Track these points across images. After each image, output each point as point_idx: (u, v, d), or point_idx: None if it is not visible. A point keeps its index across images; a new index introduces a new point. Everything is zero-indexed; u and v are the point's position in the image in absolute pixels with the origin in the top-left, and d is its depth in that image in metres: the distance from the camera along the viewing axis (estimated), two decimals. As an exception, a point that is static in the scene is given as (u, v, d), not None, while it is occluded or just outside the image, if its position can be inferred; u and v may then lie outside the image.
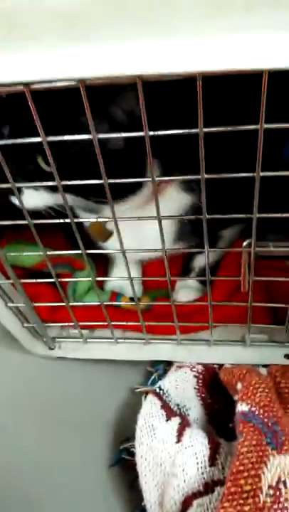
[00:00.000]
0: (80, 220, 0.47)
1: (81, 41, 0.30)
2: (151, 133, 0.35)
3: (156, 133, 0.35)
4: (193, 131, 0.35)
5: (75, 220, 0.44)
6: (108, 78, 0.32)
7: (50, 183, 0.40)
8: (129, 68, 0.31)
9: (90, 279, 0.53)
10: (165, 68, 0.30)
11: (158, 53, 0.30)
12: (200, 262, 0.66)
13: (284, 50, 0.28)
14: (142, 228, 0.50)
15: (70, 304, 0.57)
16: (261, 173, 0.37)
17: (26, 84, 0.32)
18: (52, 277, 0.52)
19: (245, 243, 0.45)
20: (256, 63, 0.29)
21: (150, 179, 0.39)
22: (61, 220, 0.44)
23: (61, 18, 0.29)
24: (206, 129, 0.34)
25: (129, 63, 0.31)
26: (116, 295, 0.69)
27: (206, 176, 0.38)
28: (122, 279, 0.51)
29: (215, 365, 0.58)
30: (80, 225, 0.45)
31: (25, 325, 0.61)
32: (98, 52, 0.30)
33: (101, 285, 0.71)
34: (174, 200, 0.53)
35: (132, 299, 0.64)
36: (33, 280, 0.53)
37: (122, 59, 0.30)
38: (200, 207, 0.46)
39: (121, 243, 0.46)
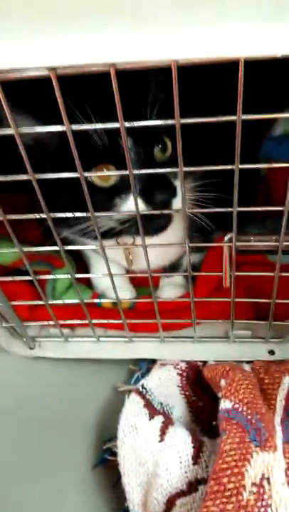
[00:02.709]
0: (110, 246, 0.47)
1: (53, 30, 0.29)
2: (128, 124, 0.34)
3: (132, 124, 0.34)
4: (169, 122, 0.34)
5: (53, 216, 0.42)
6: (81, 67, 0.31)
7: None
8: (103, 57, 0.30)
9: (69, 276, 0.52)
10: (139, 57, 0.29)
11: (132, 42, 0.29)
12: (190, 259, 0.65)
13: (260, 38, 0.27)
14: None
15: (50, 302, 0.55)
16: (240, 166, 0.36)
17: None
18: (29, 275, 0.50)
19: (226, 238, 0.44)
20: (232, 51, 0.28)
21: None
22: (36, 216, 0.42)
23: (33, 6, 0.28)
24: (183, 120, 0.34)
25: (103, 52, 0.30)
26: (98, 294, 0.68)
27: (184, 168, 0.37)
28: (103, 275, 0.50)
29: (199, 363, 0.57)
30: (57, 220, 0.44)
31: (4, 325, 0.60)
32: (71, 41, 0.29)
33: (84, 283, 0.69)
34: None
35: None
36: (10, 278, 0.52)
37: (96, 48, 0.29)
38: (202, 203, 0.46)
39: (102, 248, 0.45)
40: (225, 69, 0.30)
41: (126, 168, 0.41)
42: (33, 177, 0.38)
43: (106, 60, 0.30)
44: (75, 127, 0.35)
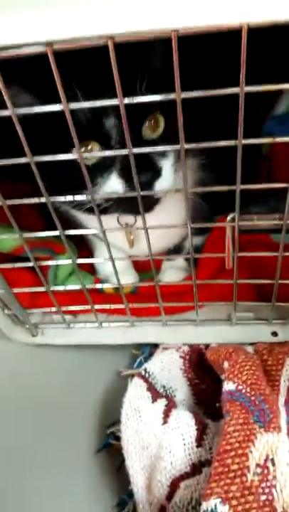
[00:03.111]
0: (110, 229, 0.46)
1: (48, 4, 0.28)
2: (126, 100, 0.33)
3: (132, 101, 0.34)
4: (171, 96, 0.33)
5: (52, 199, 0.42)
6: (77, 40, 0.30)
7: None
8: (100, 29, 0.29)
9: (70, 261, 0.51)
10: (139, 26, 0.29)
11: (130, 12, 0.28)
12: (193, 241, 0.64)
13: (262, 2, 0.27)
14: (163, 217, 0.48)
15: (52, 288, 0.55)
16: (243, 141, 0.35)
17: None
18: (30, 262, 0.50)
19: (228, 218, 0.44)
20: (233, 17, 0.27)
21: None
22: (36, 200, 0.42)
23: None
24: (184, 95, 0.33)
25: (100, 24, 0.29)
26: (100, 279, 0.67)
27: (185, 146, 0.37)
28: (105, 260, 0.49)
29: (201, 345, 0.57)
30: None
31: (6, 312, 0.59)
32: (67, 14, 0.29)
33: (85, 269, 0.69)
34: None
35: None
36: (11, 265, 0.51)
37: (93, 20, 0.29)
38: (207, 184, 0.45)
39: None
40: (224, 41, 0.29)
41: (110, 145, 0.39)
42: (32, 160, 0.37)
43: (104, 31, 0.29)
44: (74, 105, 0.34)
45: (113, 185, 0.44)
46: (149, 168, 0.43)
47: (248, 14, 0.27)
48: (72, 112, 0.34)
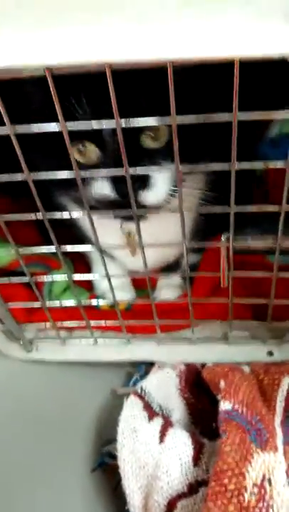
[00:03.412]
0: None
1: (47, 29, 0.29)
2: (124, 124, 0.34)
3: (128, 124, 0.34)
4: (166, 121, 0.34)
5: (48, 217, 0.42)
6: (75, 66, 0.30)
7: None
8: (97, 55, 0.30)
9: (66, 277, 0.51)
10: (135, 56, 0.29)
11: (127, 40, 0.29)
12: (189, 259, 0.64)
13: (255, 37, 0.27)
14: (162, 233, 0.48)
15: (47, 304, 0.55)
16: (237, 165, 0.36)
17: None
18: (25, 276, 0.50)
19: (223, 238, 0.44)
20: (226, 51, 0.28)
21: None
22: (32, 216, 0.42)
23: (25, 6, 0.28)
24: (179, 119, 0.33)
25: (97, 50, 0.29)
26: (96, 295, 0.67)
27: (180, 167, 0.37)
28: (98, 276, 0.49)
29: (197, 365, 0.57)
30: (56, 221, 0.43)
31: (0, 327, 0.59)
32: (66, 39, 0.29)
33: (81, 285, 0.69)
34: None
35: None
36: (6, 279, 0.51)
37: (90, 46, 0.29)
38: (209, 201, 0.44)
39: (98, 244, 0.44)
40: (223, 69, 0.30)
41: (107, 148, 0.40)
42: (29, 177, 0.38)
43: (101, 58, 0.30)
44: (71, 125, 0.35)
45: (102, 187, 0.44)
46: (139, 178, 0.42)
47: (240, 49, 0.27)
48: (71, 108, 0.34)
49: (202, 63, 0.29)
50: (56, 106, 0.33)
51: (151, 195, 0.44)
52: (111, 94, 0.32)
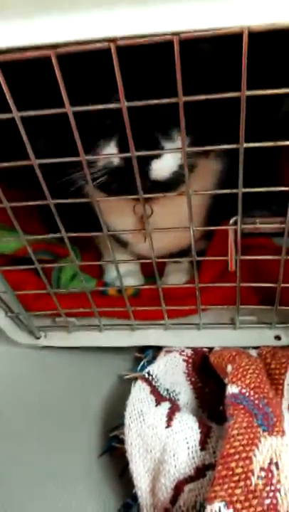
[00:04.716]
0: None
1: (53, 8, 0.28)
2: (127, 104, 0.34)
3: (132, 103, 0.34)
4: (172, 100, 0.33)
5: (54, 202, 0.42)
6: (82, 43, 0.30)
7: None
8: (102, 31, 0.29)
9: (74, 264, 0.51)
10: (139, 31, 0.29)
11: (132, 16, 0.28)
12: (200, 245, 0.63)
13: (263, 6, 0.27)
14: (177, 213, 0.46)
15: (55, 291, 0.55)
16: (245, 145, 0.35)
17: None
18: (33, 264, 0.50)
19: (231, 221, 0.44)
20: (235, 21, 0.27)
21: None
22: (38, 202, 0.42)
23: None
24: (185, 98, 0.33)
25: (102, 27, 0.29)
26: (103, 282, 0.68)
27: (187, 149, 0.37)
28: (107, 262, 0.49)
29: (205, 349, 0.56)
30: (67, 206, 0.43)
31: (9, 314, 0.60)
32: (70, 18, 0.29)
33: (88, 272, 0.69)
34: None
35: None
36: (14, 267, 0.51)
37: (97, 23, 0.29)
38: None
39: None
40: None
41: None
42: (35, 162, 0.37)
43: (106, 35, 0.29)
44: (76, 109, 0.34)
45: (109, 152, 0.43)
46: (146, 145, 0.40)
47: (249, 18, 0.27)
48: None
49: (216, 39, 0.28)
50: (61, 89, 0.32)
51: (161, 165, 0.43)
52: (116, 74, 0.32)
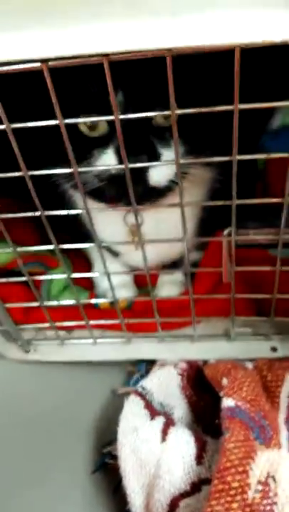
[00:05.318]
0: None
1: (45, 21, 0.28)
2: (122, 116, 0.34)
3: (126, 116, 0.34)
4: (166, 113, 0.33)
5: (45, 213, 0.42)
6: (74, 58, 0.30)
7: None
8: (96, 47, 0.29)
9: (65, 276, 0.51)
10: (132, 46, 0.29)
11: (125, 32, 0.28)
12: (193, 257, 0.63)
13: (255, 25, 0.27)
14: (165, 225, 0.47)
15: (45, 304, 0.54)
16: (238, 157, 0.35)
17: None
18: (23, 276, 0.49)
19: (225, 232, 0.44)
20: (227, 38, 0.27)
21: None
22: (30, 214, 0.41)
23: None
24: (178, 111, 0.33)
25: (96, 42, 0.29)
26: (96, 295, 0.67)
27: (181, 161, 0.37)
28: (98, 274, 0.49)
29: (199, 362, 0.56)
30: (57, 218, 0.43)
31: (-3, 328, 0.59)
32: (63, 32, 0.29)
33: (80, 284, 0.68)
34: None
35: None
36: (4, 279, 0.50)
37: (90, 38, 0.29)
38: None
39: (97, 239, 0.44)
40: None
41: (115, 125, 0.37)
42: (26, 174, 0.37)
43: (99, 50, 0.29)
44: (68, 120, 0.34)
45: (108, 161, 0.43)
46: (145, 151, 0.41)
47: (241, 35, 0.27)
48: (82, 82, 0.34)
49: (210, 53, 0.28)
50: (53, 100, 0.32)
51: (158, 172, 0.43)
52: (109, 88, 0.31)
